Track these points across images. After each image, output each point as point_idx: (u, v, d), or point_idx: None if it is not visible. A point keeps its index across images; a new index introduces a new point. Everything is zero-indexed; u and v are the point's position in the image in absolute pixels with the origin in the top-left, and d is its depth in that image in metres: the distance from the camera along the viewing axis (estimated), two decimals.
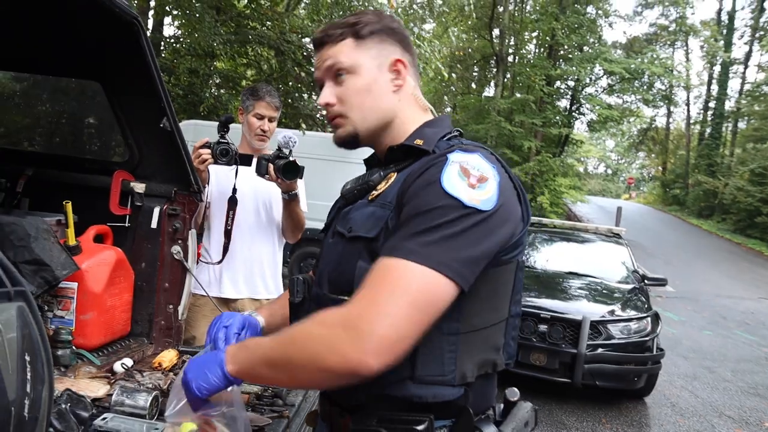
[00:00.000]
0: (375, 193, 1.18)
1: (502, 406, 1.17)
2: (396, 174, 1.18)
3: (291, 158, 2.40)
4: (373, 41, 1.22)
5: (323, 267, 1.23)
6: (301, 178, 2.47)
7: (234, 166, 2.44)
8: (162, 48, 12.06)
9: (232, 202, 2.52)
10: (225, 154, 2.39)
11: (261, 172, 2.42)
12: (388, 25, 1.25)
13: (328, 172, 8.63)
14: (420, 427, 1.03)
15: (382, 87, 1.22)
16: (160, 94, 2.11)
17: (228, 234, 2.55)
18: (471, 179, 1.03)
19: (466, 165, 1.04)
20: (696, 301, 12.04)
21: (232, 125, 2.47)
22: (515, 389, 1.14)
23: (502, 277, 1.10)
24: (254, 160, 2.45)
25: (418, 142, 1.19)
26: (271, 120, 2.68)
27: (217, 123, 2.44)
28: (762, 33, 31.04)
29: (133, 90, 2.17)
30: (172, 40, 12.50)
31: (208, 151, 2.38)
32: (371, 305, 0.95)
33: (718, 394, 6.11)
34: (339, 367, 0.95)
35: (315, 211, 6.88)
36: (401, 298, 0.95)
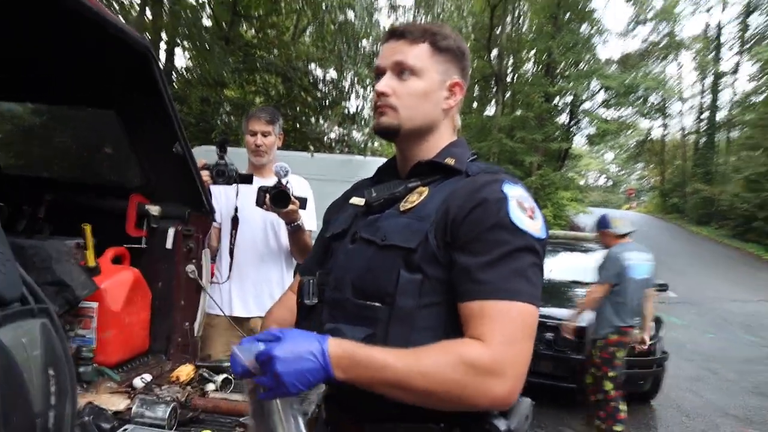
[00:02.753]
0: (407, 205, 1.18)
1: None
2: (427, 188, 1.20)
3: (281, 188, 2.39)
4: (445, 57, 1.24)
5: (342, 272, 1.21)
6: (303, 208, 2.47)
7: (235, 187, 2.47)
8: (174, 78, 12.20)
9: (234, 222, 2.55)
10: (221, 175, 2.41)
11: (259, 202, 2.43)
12: (460, 47, 1.27)
13: (337, 192, 8.64)
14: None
15: (436, 100, 1.24)
16: (173, 120, 2.14)
17: (231, 253, 2.57)
18: (528, 211, 1.10)
19: (520, 199, 1.10)
20: (698, 305, 11.97)
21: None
22: None
23: None
24: (255, 180, 2.48)
25: (450, 161, 1.22)
26: (264, 135, 2.71)
27: (222, 145, 2.48)
28: (748, 46, 31.08)
29: (147, 117, 2.20)
30: (184, 71, 12.66)
31: (207, 172, 2.41)
32: (509, 350, 1.00)
33: (722, 395, 6.05)
34: (486, 405, 1.02)
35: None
36: (526, 336, 1.03)
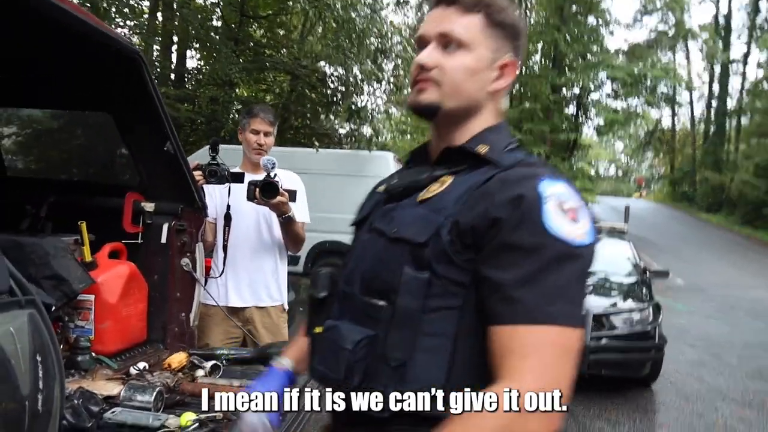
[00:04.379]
0: (426, 195, 1.05)
1: None
2: (452, 178, 1.05)
3: (269, 179, 2.47)
4: (498, 32, 1.08)
5: (355, 264, 1.11)
6: (293, 200, 2.55)
7: (227, 185, 2.54)
8: (186, 79, 12.33)
9: (227, 219, 2.62)
10: (213, 175, 2.50)
11: (250, 196, 2.50)
12: (516, 23, 1.11)
13: (342, 187, 8.73)
14: None
15: (484, 80, 1.08)
16: (164, 121, 2.22)
17: (225, 249, 2.65)
18: (569, 213, 0.94)
19: (560, 198, 0.94)
20: (704, 291, 11.86)
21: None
22: None
23: None
24: (246, 178, 2.55)
25: (482, 148, 1.06)
26: (266, 134, 2.77)
27: (214, 146, 2.56)
28: (759, 33, 30.64)
29: (139, 118, 2.28)
30: (195, 71, 12.78)
31: (200, 172, 2.48)
32: (544, 383, 0.87)
33: (723, 379, 6.04)
34: None
35: (331, 224, 7.03)
36: (564, 363, 0.90)
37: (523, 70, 26.83)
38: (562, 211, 0.93)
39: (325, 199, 7.02)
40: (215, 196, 2.69)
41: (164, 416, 1.54)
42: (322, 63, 12.90)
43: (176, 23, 11.38)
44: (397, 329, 0.95)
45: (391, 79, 12.82)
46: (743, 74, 32.46)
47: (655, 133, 39.81)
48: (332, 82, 12.79)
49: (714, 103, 33.21)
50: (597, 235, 0.98)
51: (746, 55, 32.24)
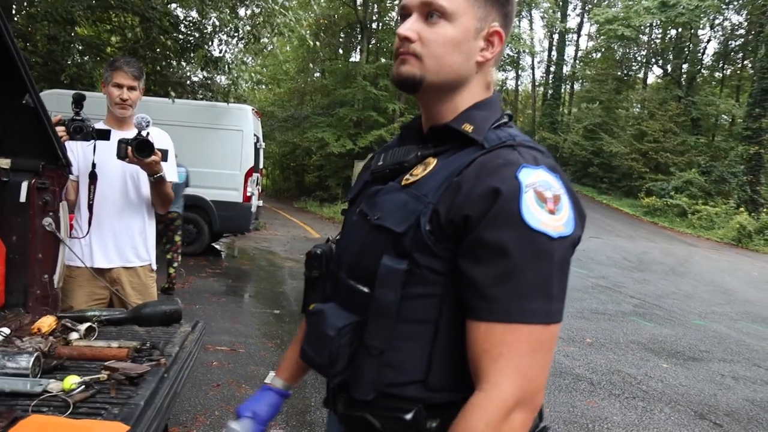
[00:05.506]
0: (410, 178, 1.02)
1: None
2: (436, 161, 1.02)
3: (142, 137, 2.39)
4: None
5: (344, 246, 1.12)
6: (165, 160, 2.49)
7: (92, 142, 2.43)
8: (14, 12, 10.96)
9: (92, 177, 2.51)
10: (79, 131, 2.36)
11: (121, 155, 2.41)
12: None
13: (199, 139, 8.41)
14: (408, 416, 0.96)
15: (469, 51, 1.02)
16: (20, 71, 2.05)
17: (90, 208, 2.53)
18: (548, 204, 0.90)
19: (539, 188, 0.91)
20: None
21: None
22: None
23: None
24: (113, 135, 2.45)
25: (467, 127, 1.02)
26: (131, 89, 2.64)
27: (78, 100, 2.41)
28: (590, 6, 33.55)
29: None
30: (26, 4, 11.39)
31: (63, 128, 2.34)
32: (518, 383, 0.88)
33: None
34: None
35: (189, 178, 6.76)
36: (538, 360, 0.89)
37: (379, 26, 27.11)
38: (541, 202, 0.90)
39: (182, 152, 6.81)
40: (77, 153, 2.55)
41: (45, 381, 1.50)
42: (173, 6, 12.10)
43: None
44: (376, 318, 0.96)
45: (248, 28, 12.34)
46: (577, 44, 35.55)
47: (501, 94, 42.36)
48: (186, 27, 12.07)
49: (552, 69, 35.99)
50: (580, 222, 0.96)
51: (580, 27, 35.29)
